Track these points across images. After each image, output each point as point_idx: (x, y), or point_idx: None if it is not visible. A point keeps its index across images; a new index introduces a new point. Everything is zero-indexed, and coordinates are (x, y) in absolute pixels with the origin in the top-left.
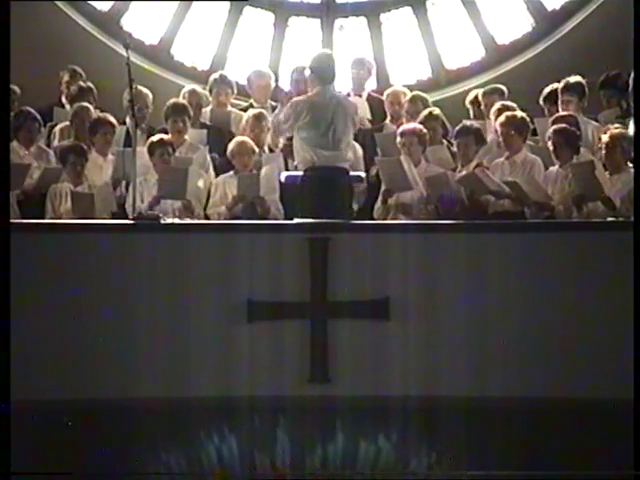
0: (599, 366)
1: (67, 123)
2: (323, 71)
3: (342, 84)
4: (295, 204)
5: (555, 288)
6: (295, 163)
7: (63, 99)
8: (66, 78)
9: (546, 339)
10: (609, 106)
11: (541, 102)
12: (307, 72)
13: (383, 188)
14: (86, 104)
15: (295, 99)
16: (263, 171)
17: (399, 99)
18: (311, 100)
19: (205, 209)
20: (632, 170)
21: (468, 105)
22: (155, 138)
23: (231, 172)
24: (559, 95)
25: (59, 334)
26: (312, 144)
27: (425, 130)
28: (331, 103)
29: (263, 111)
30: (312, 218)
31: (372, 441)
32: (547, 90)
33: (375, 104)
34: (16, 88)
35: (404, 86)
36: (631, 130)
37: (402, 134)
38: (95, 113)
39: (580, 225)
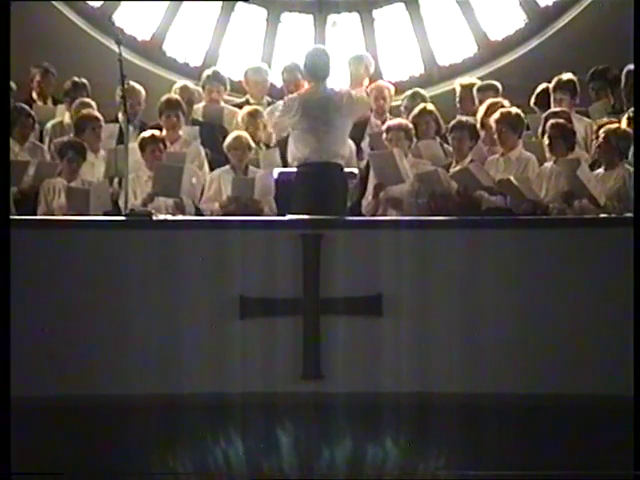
0: (595, 363)
1: (59, 119)
2: (316, 67)
3: (338, 80)
4: (288, 201)
5: (549, 284)
6: (290, 160)
7: (34, 95)
8: (38, 77)
9: (541, 336)
10: (598, 98)
11: (532, 104)
12: (301, 68)
13: (374, 182)
14: (87, 100)
15: (289, 96)
16: (259, 174)
17: (383, 94)
18: (304, 97)
19: (199, 203)
20: (625, 167)
21: (457, 88)
22: (146, 134)
23: (227, 167)
24: (551, 93)
25: (52, 330)
26: (305, 140)
27: (411, 125)
28: (324, 100)
29: (258, 108)
30: (306, 214)
31: (365, 438)
32: (538, 90)
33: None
34: (12, 84)
35: (397, 82)
36: (623, 125)
37: (388, 130)
38: (87, 109)
39: (574, 221)
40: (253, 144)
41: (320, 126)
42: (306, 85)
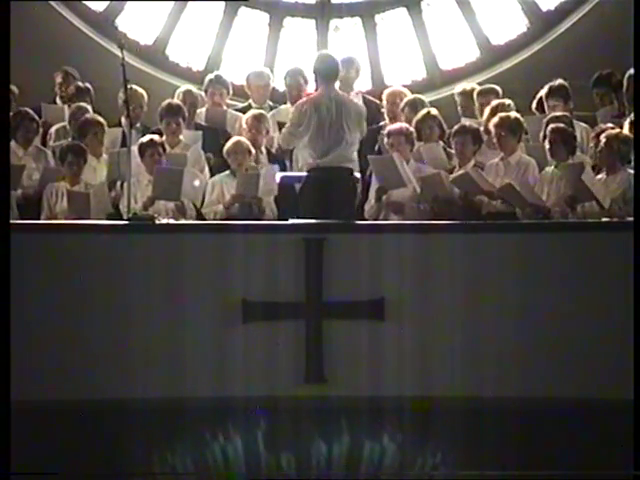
0: (596, 367)
1: (63, 123)
2: (325, 70)
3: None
4: (291, 205)
5: (551, 288)
6: (300, 165)
7: (58, 101)
8: (59, 79)
9: (542, 339)
10: (602, 104)
11: (534, 109)
12: (304, 73)
13: (376, 187)
14: (83, 104)
15: (299, 101)
16: (262, 171)
17: (398, 99)
18: (314, 100)
19: (200, 208)
20: (627, 171)
21: (457, 98)
22: (145, 139)
23: (227, 171)
24: (544, 100)
25: (55, 334)
26: (315, 145)
27: (412, 129)
28: (333, 103)
29: (263, 112)
30: (315, 218)
31: (367, 441)
32: (538, 96)
33: (367, 105)
34: (14, 88)
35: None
36: (626, 130)
37: (389, 134)
38: (90, 114)
39: (576, 226)
40: (253, 149)
41: (331, 129)
42: (308, 90)
